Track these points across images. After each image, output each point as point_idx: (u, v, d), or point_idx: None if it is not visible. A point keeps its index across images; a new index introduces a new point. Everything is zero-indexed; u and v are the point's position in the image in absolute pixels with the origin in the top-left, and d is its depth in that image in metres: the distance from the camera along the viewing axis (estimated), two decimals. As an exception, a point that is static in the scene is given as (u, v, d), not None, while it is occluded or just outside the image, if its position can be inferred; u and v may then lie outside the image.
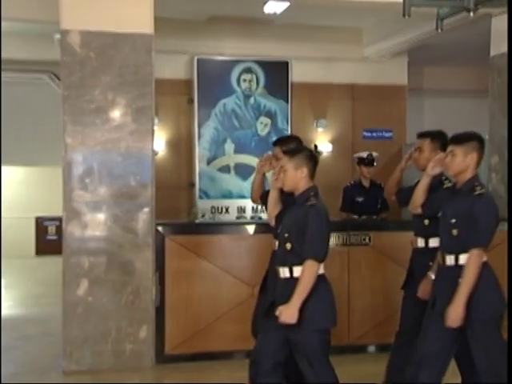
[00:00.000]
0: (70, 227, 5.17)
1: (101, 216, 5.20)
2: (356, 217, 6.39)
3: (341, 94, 9.76)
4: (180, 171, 9.33)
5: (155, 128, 5.61)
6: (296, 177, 3.64)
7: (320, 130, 9.78)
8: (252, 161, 8.96)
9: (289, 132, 9.35)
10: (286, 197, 3.81)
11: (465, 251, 3.53)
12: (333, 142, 9.82)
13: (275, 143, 4.57)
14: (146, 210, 5.22)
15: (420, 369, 3.60)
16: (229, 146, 9.27)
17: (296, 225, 3.59)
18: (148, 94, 5.29)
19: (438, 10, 3.49)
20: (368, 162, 6.55)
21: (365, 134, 9.84)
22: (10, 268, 11.01)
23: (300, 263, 3.52)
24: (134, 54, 5.24)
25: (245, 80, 9.36)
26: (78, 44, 5.14)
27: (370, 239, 5.56)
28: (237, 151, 9.26)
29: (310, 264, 3.48)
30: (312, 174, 3.68)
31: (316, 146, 9.73)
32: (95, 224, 5.19)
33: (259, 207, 8.64)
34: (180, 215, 8.80)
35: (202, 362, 5.25)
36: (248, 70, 9.36)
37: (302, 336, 3.51)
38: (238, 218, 9.05)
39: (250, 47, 9.15)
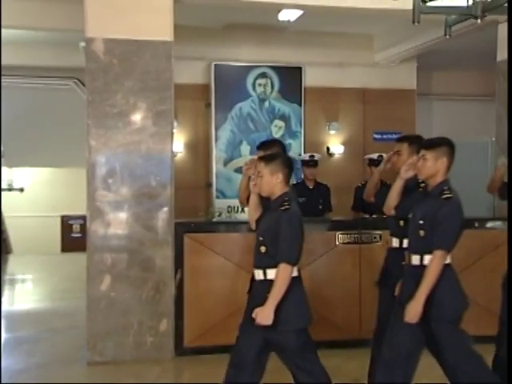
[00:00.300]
0: (93, 225, 5.20)
1: (123, 215, 5.22)
2: (367, 216, 6.37)
3: (352, 97, 9.73)
4: (198, 172, 9.35)
5: (174, 131, 5.62)
6: (272, 182, 3.61)
7: (332, 132, 9.75)
8: (267, 162, 8.97)
9: (302, 134, 9.34)
10: (266, 201, 3.78)
11: (430, 252, 3.52)
12: (344, 143, 9.80)
13: (258, 147, 4.57)
14: (166, 209, 5.24)
15: (394, 369, 3.56)
16: (244, 148, 9.27)
17: (270, 229, 3.57)
18: (168, 99, 5.31)
19: (446, 17, 3.47)
20: (378, 163, 6.52)
21: (375, 136, 9.80)
22: (37, 264, 11.11)
23: (274, 266, 3.49)
24: (154, 61, 5.26)
25: (260, 85, 9.35)
26: (102, 51, 5.17)
27: (380, 237, 5.54)
28: (252, 153, 9.25)
29: (284, 267, 3.46)
30: (287, 180, 3.65)
31: (328, 148, 9.72)
32: (117, 222, 5.22)
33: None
34: (198, 214, 8.80)
35: (219, 354, 5.24)
36: (263, 75, 9.36)
37: (279, 337, 3.50)
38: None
39: (264, 53, 9.15)
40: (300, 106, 9.42)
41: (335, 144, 9.77)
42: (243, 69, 9.30)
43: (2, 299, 8.44)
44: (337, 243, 5.52)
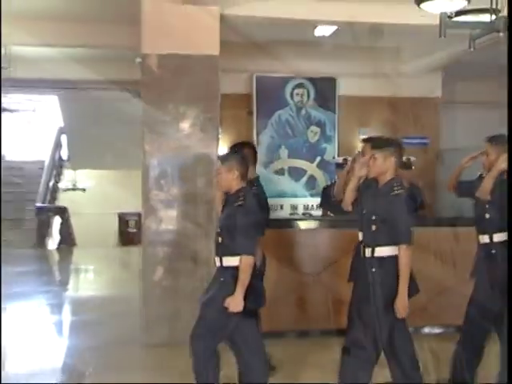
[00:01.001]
0: (147, 222, 5.26)
1: (173, 212, 5.27)
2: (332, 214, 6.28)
3: (381, 105, 9.64)
4: (241, 173, 9.35)
5: (220, 136, 5.65)
6: (228, 178, 3.61)
7: (363, 137, 9.65)
8: (303, 164, 8.96)
9: (336, 139, 9.30)
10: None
11: (379, 245, 3.47)
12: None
13: (231, 149, 4.55)
14: (211, 206, 5.27)
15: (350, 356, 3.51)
16: (283, 152, 9.26)
17: (225, 222, 3.60)
18: (214, 107, 5.34)
19: (470, 31, 3.42)
20: (406, 165, 6.45)
21: (404, 140, 9.67)
22: (98, 256, 11.30)
23: (228, 254, 3.53)
24: (202, 73, 5.30)
25: (297, 94, 9.34)
26: (156, 65, 5.23)
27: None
28: (290, 156, 9.24)
29: (245, 258, 3.48)
30: (243, 176, 3.64)
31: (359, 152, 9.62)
32: (168, 219, 5.27)
33: (310, 205, 8.63)
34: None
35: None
36: (300, 86, 9.34)
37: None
38: (291, 214, 9.03)
39: (301, 65, 9.12)
40: (334, 113, 9.37)
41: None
42: (282, 80, 9.29)
43: (68, 286, 8.61)
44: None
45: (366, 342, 3.45)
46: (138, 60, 5.62)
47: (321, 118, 9.37)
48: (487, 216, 3.91)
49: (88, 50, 8.42)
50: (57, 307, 7.24)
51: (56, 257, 11.80)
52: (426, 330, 5.46)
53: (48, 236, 12.25)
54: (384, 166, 3.58)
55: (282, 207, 9.21)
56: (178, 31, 5.24)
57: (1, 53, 6.65)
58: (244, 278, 3.47)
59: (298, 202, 9.05)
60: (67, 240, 12.24)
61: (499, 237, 3.82)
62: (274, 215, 8.99)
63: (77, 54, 8.34)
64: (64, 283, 9.17)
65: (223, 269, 3.57)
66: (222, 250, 3.59)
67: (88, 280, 9.56)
